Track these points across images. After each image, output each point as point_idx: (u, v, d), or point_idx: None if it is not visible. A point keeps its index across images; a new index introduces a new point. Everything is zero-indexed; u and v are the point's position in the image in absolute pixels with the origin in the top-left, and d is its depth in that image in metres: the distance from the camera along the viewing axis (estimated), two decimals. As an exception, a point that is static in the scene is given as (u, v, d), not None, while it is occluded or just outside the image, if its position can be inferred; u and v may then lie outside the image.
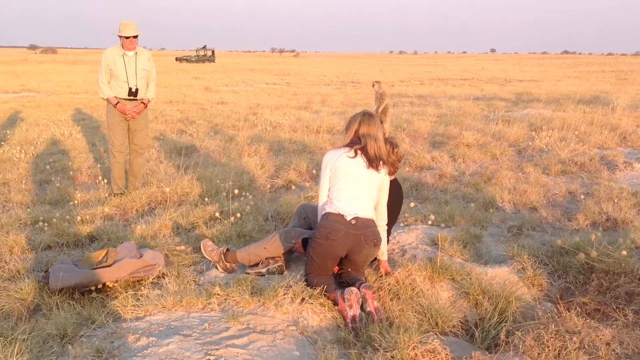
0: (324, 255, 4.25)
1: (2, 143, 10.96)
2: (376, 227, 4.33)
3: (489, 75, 41.76)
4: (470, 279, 4.40)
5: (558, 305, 3.98)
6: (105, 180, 7.67)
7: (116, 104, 7.19)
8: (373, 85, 11.39)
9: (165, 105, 18.51)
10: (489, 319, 4.01)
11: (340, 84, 32.10)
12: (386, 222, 4.53)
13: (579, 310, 4.03)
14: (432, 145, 10.77)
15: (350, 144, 4.38)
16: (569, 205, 6.71)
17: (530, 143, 10.25)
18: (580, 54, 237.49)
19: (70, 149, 10.58)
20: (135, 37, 7.14)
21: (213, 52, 74.78)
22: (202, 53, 74.34)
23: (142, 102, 7.37)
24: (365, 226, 4.23)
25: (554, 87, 26.50)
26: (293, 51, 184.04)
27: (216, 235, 5.63)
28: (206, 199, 6.80)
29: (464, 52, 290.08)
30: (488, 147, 10.01)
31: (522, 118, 13.74)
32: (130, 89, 7.19)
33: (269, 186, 7.76)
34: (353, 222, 4.21)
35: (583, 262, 4.51)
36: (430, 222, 5.82)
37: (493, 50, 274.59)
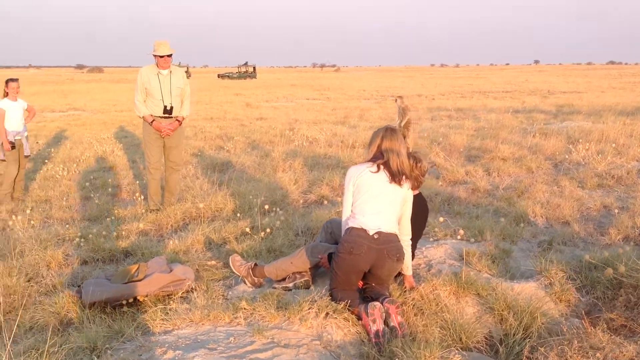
0: (348, 269, 4.29)
1: (47, 161, 11.31)
2: (399, 241, 4.35)
3: (531, 87, 41.26)
4: (496, 294, 4.39)
5: (583, 321, 3.94)
6: (142, 197, 7.84)
7: (152, 122, 7.37)
8: (395, 101, 11.56)
9: (205, 122, 18.81)
10: (514, 335, 3.99)
11: (380, 98, 32.11)
12: (410, 237, 4.55)
13: (606, 326, 3.98)
14: (467, 159, 10.73)
15: (373, 159, 4.43)
16: (603, 220, 6.61)
17: (567, 156, 10.12)
18: (626, 64, 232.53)
19: (111, 166, 10.85)
20: (170, 55, 7.32)
21: (254, 68, 75.57)
22: (243, 69, 75.21)
23: (177, 120, 7.54)
24: (388, 241, 4.26)
25: (596, 99, 26.08)
26: (334, 66, 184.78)
27: (246, 250, 5.71)
28: (238, 215, 6.91)
29: (507, 64, 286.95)
30: (524, 160, 9.92)
31: (560, 131, 13.57)
32: (165, 107, 7.36)
33: (301, 201, 7.83)
34: (376, 236, 4.24)
35: (611, 277, 4.45)
36: (459, 237, 5.81)
37: (537, 62, 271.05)
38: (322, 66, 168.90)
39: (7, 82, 8.61)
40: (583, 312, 4.29)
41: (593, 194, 7.69)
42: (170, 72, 7.43)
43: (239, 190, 7.97)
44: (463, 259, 5.16)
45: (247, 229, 6.21)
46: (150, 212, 7.38)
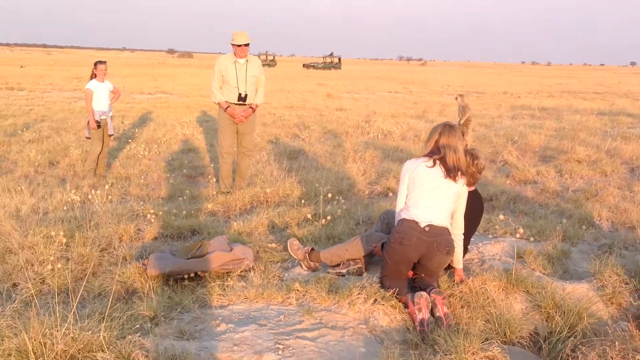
0: (397, 259, 4.41)
1: (130, 141, 11.84)
2: (450, 235, 4.43)
3: (624, 89, 39.67)
4: (545, 292, 4.41)
5: (630, 325, 3.92)
6: (215, 180, 8.15)
7: (226, 108, 7.64)
8: (456, 99, 11.75)
9: (285, 110, 19.11)
10: (559, 333, 4.01)
11: (464, 94, 31.63)
12: (462, 232, 4.62)
13: (654, 331, 3.94)
14: (541, 159, 10.56)
15: (429, 154, 4.51)
16: (671, 227, 6.43)
17: (645, 161, 9.84)
18: None
19: (190, 149, 11.27)
20: (247, 45, 7.55)
21: (339, 59, 75.72)
22: (328, 60, 75.48)
23: (251, 107, 7.78)
24: (438, 234, 4.35)
25: (692, 103, 24.90)
26: (420, 59, 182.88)
27: (306, 235, 5.89)
28: (303, 201, 7.10)
29: (602, 65, 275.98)
30: (599, 163, 9.69)
31: (643, 135, 13.13)
32: (240, 94, 7.62)
33: (367, 192, 7.95)
34: (427, 229, 4.34)
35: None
36: (518, 236, 5.80)
37: (633, 64, 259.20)
38: (409, 59, 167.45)
39: (95, 64, 9.07)
40: (629, 315, 4.25)
41: (666, 201, 7.48)
42: (247, 61, 7.66)
43: (306, 178, 8.17)
44: (521, 257, 5.18)
45: (309, 216, 6.39)
46: (221, 194, 7.66)
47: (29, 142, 11.51)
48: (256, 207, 7.10)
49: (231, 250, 5.09)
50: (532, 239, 5.80)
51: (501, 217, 6.26)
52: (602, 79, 60.28)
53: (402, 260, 4.41)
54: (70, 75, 34.89)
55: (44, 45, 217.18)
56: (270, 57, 76.58)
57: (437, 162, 4.44)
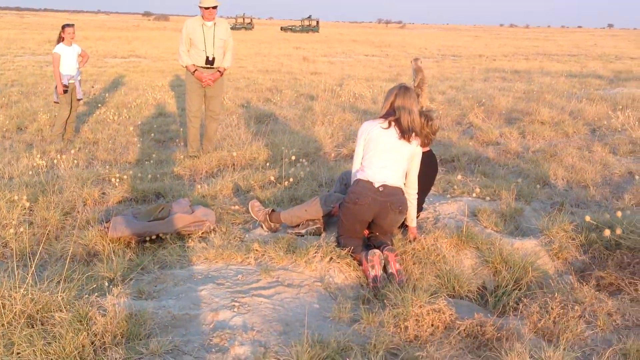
0: (352, 218, 4.53)
1: (100, 105, 11.78)
2: (403, 195, 4.56)
3: (599, 51, 39.92)
4: (494, 248, 4.56)
5: (572, 277, 4.08)
6: (183, 143, 8.18)
7: (194, 72, 7.65)
8: (411, 62, 12.22)
9: (259, 74, 19.06)
10: (505, 287, 4.17)
11: (440, 57, 31.72)
12: (416, 191, 4.75)
13: (595, 283, 4.13)
14: (507, 122, 10.70)
15: (385, 115, 4.61)
16: (625, 185, 6.61)
17: (605, 122, 9.99)
18: None
19: (160, 113, 11.25)
20: (215, 7, 7.53)
21: (317, 22, 75.23)
22: (306, 23, 74.96)
23: (218, 70, 7.78)
24: (392, 194, 4.47)
25: (664, 65, 25.15)
26: (399, 22, 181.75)
27: (269, 197, 5.99)
28: (267, 164, 7.17)
29: (579, 27, 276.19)
30: (562, 125, 9.86)
31: (609, 97, 13.31)
32: (207, 57, 7.62)
33: (333, 155, 8.05)
34: (381, 189, 4.45)
35: (609, 238, 4.55)
36: (474, 195, 5.94)
37: (610, 26, 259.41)
38: (387, 22, 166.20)
39: (63, 27, 8.97)
40: (572, 269, 4.43)
41: (623, 160, 7.67)
42: (215, 24, 7.64)
43: (273, 141, 8.23)
44: (476, 216, 5.32)
45: (272, 178, 6.47)
46: (188, 158, 7.71)
47: (-4, 107, 11.42)
48: (222, 171, 7.17)
49: (193, 212, 5.18)
50: (487, 198, 5.95)
51: (459, 177, 6.40)
52: (579, 41, 60.54)
53: (356, 219, 4.53)
54: (43, 38, 34.29)
55: (17, 9, 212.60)
56: (248, 20, 75.84)
57: (392, 123, 4.53)
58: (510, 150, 8.17)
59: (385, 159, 4.51)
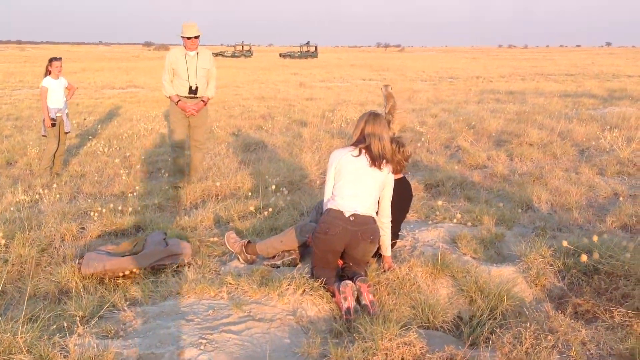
0: (324, 249, 4.47)
1: (91, 137, 11.78)
2: (375, 224, 4.49)
3: (596, 70, 39.94)
4: (469, 276, 4.48)
5: (546, 305, 4.01)
6: (167, 174, 8.13)
7: (177, 102, 7.64)
8: (381, 89, 12.35)
9: (255, 101, 19.10)
10: (480, 316, 4.09)
11: (437, 80, 31.76)
12: (389, 219, 4.69)
13: (572, 310, 4.05)
14: (496, 144, 10.63)
15: (355, 143, 4.56)
16: (609, 207, 6.52)
17: (594, 143, 9.92)
18: None
19: (152, 143, 11.22)
20: (197, 37, 7.54)
21: (316, 47, 75.75)
22: (305, 49, 75.47)
23: (202, 100, 7.78)
24: (363, 223, 4.40)
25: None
26: (399, 46, 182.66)
27: (248, 228, 5.92)
28: (249, 194, 7.12)
29: (578, 46, 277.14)
30: (550, 146, 9.79)
31: (600, 116, 13.27)
32: (190, 87, 7.62)
33: (319, 182, 7.98)
34: (352, 218, 4.39)
35: (587, 263, 4.47)
36: (455, 221, 5.88)
37: (608, 44, 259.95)
38: (387, 46, 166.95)
39: (50, 61, 9.02)
40: (549, 296, 4.35)
41: (610, 181, 7.57)
42: (198, 53, 7.65)
43: (258, 170, 8.18)
44: (453, 242, 5.25)
45: (252, 208, 6.42)
46: (172, 188, 7.66)
47: (-12, 141, 11.42)
48: (206, 201, 7.11)
49: (167, 245, 5.11)
50: (469, 223, 5.88)
51: (439, 203, 6.33)
52: (577, 60, 60.71)
53: (328, 249, 4.46)
54: (42, 71, 34.33)
55: (19, 42, 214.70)
56: (247, 48, 76.43)
57: (363, 150, 4.49)
58: (497, 174, 8.11)
59: (356, 188, 4.45)
